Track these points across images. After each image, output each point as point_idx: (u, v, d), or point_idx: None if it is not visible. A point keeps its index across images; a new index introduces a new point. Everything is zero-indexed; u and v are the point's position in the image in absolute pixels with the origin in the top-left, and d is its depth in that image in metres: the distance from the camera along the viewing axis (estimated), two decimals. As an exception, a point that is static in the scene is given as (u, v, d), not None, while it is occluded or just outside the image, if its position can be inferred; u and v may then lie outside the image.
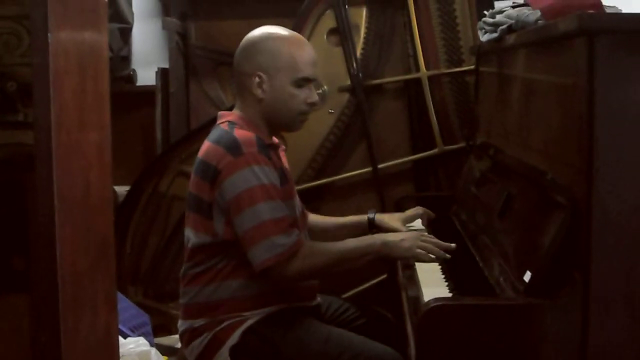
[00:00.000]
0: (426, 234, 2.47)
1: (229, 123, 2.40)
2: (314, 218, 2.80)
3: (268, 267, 2.25)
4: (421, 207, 2.87)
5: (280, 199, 2.31)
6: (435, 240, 2.38)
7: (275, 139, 2.52)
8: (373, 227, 2.77)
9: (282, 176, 2.39)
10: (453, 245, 2.36)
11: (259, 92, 2.40)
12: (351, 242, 2.37)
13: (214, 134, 2.41)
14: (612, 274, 1.82)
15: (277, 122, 2.45)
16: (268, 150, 2.36)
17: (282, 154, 2.54)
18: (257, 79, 2.39)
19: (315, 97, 2.45)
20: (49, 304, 1.45)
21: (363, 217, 2.79)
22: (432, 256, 2.33)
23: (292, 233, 2.29)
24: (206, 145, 2.39)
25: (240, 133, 2.34)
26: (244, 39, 2.47)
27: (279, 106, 2.41)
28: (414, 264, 2.43)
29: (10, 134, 1.61)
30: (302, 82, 2.41)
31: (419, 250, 2.33)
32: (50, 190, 1.44)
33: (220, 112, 2.52)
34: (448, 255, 2.34)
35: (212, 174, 2.30)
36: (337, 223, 2.83)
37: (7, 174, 1.58)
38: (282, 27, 2.49)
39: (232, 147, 2.29)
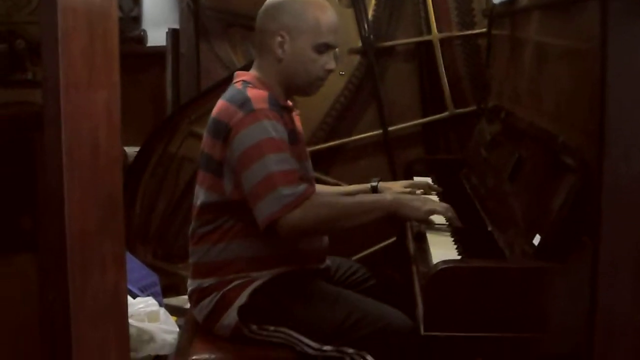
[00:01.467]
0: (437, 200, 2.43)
1: (243, 82, 2.39)
2: (318, 189, 2.78)
3: (274, 220, 2.21)
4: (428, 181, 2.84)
5: (290, 155, 2.29)
6: (447, 205, 2.37)
7: (289, 102, 2.51)
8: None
9: (293, 137, 2.38)
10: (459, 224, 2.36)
11: (279, 51, 2.38)
12: (360, 196, 2.40)
13: (228, 92, 2.40)
14: (622, 237, 1.82)
15: (293, 85, 2.44)
16: (281, 109, 2.36)
17: (297, 118, 2.53)
18: (279, 38, 2.37)
19: (333, 65, 2.43)
20: (57, 264, 1.46)
21: (366, 185, 2.76)
22: (445, 217, 2.34)
23: (301, 185, 2.25)
24: (220, 103, 2.38)
25: (253, 92, 2.33)
26: None
27: (298, 68, 2.39)
28: (425, 232, 2.41)
29: (19, 93, 1.61)
30: (323, 48, 2.39)
31: (430, 209, 2.31)
32: (59, 150, 1.43)
33: (236, 72, 2.51)
34: (459, 224, 2.34)
35: (224, 132, 2.29)
36: (340, 192, 2.81)
37: (16, 132, 1.58)
38: None
39: (244, 104, 2.28)
